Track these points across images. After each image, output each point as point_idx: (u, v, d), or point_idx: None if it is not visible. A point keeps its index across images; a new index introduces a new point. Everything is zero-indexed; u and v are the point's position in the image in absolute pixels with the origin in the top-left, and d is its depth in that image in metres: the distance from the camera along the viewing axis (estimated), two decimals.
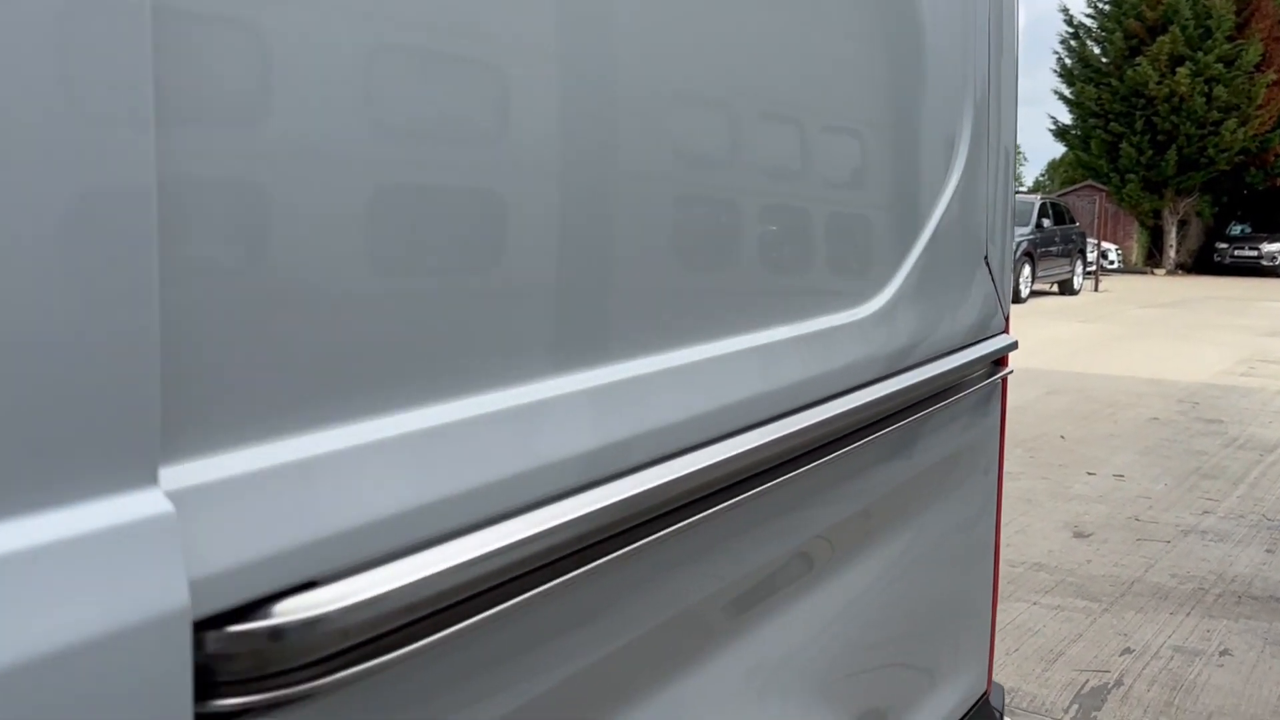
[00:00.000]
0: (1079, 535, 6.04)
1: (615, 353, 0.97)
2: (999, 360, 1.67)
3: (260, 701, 0.67)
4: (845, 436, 1.26)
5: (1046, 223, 22.77)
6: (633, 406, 0.98)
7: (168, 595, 0.61)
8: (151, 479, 0.61)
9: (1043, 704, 3.97)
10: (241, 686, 0.67)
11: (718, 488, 1.07)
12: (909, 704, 1.55)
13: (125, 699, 0.59)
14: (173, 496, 0.62)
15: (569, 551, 0.89)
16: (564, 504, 0.88)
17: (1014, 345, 1.67)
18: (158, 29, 0.60)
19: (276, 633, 0.67)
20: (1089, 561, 5.58)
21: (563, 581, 0.89)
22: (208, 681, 0.65)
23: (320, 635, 0.68)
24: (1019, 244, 21.32)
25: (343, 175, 0.73)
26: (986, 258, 1.60)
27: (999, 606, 4.89)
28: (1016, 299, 21.19)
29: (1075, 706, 3.94)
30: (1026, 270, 21.67)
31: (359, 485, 0.73)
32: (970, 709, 1.72)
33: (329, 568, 0.70)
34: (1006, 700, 3.98)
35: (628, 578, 1.00)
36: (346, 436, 0.73)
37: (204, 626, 0.64)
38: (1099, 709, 3.92)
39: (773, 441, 1.12)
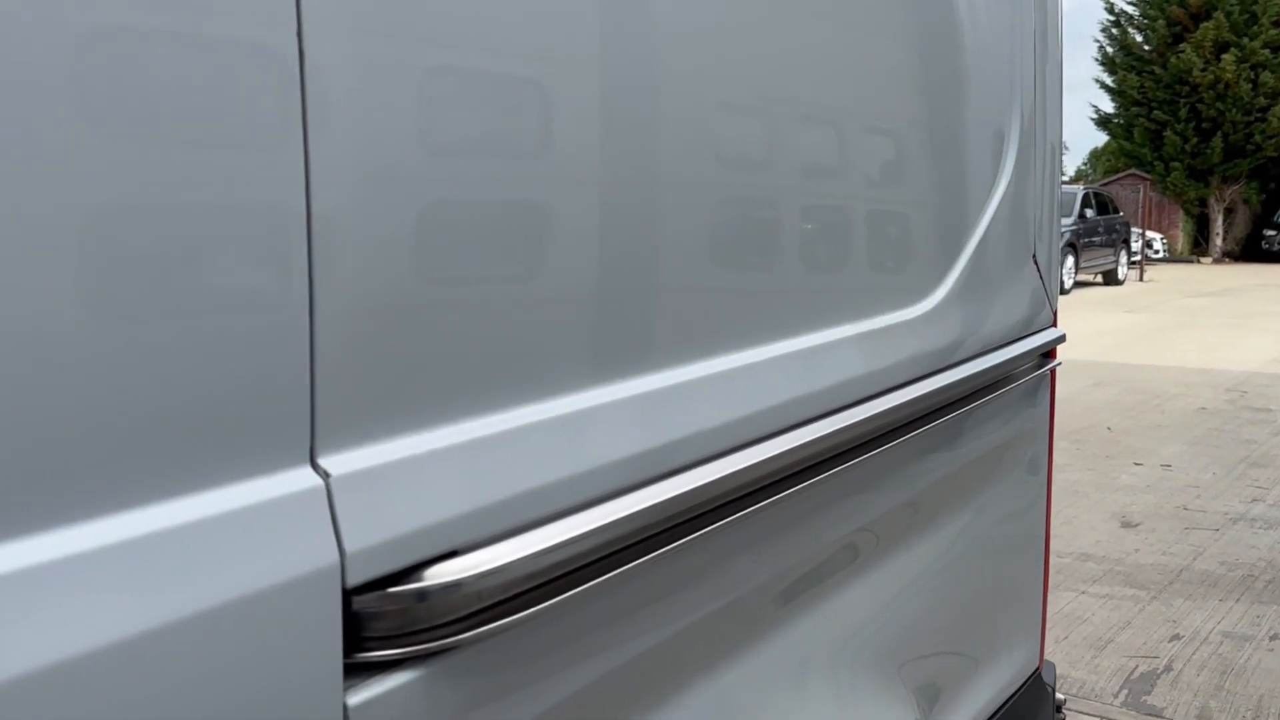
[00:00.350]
0: (1127, 525, 6.06)
1: (705, 351, 1.07)
2: (1047, 353, 1.75)
3: (408, 654, 0.78)
4: (902, 428, 1.35)
5: (1090, 213, 22.59)
6: (706, 401, 1.08)
7: (318, 559, 0.71)
8: (304, 462, 0.72)
9: (1093, 689, 4.03)
10: (390, 641, 0.77)
11: (782, 476, 1.16)
12: (964, 682, 1.64)
13: (282, 648, 0.69)
14: (326, 479, 0.73)
15: (658, 530, 0.99)
16: (658, 487, 0.98)
17: (1061, 338, 1.75)
18: (306, 49, 0.71)
19: (422, 595, 0.77)
20: (1137, 551, 5.61)
21: (649, 560, 0.99)
22: (361, 637, 0.76)
23: (459, 597, 0.79)
24: (1062, 235, 21.15)
25: (491, 187, 0.84)
26: (1035, 255, 1.69)
27: (1047, 596, 4.95)
28: (1060, 290, 21.01)
29: (1125, 691, 4.00)
30: (1070, 261, 21.49)
31: (492, 469, 0.83)
32: (1023, 684, 1.81)
33: (466, 540, 0.80)
34: (1058, 687, 4.04)
35: (701, 558, 1.10)
36: (477, 428, 0.83)
37: (359, 590, 0.75)
38: (1149, 693, 3.97)
39: (834, 433, 1.22)
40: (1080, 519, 6.19)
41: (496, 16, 0.86)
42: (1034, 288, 1.69)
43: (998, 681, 1.71)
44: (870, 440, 1.31)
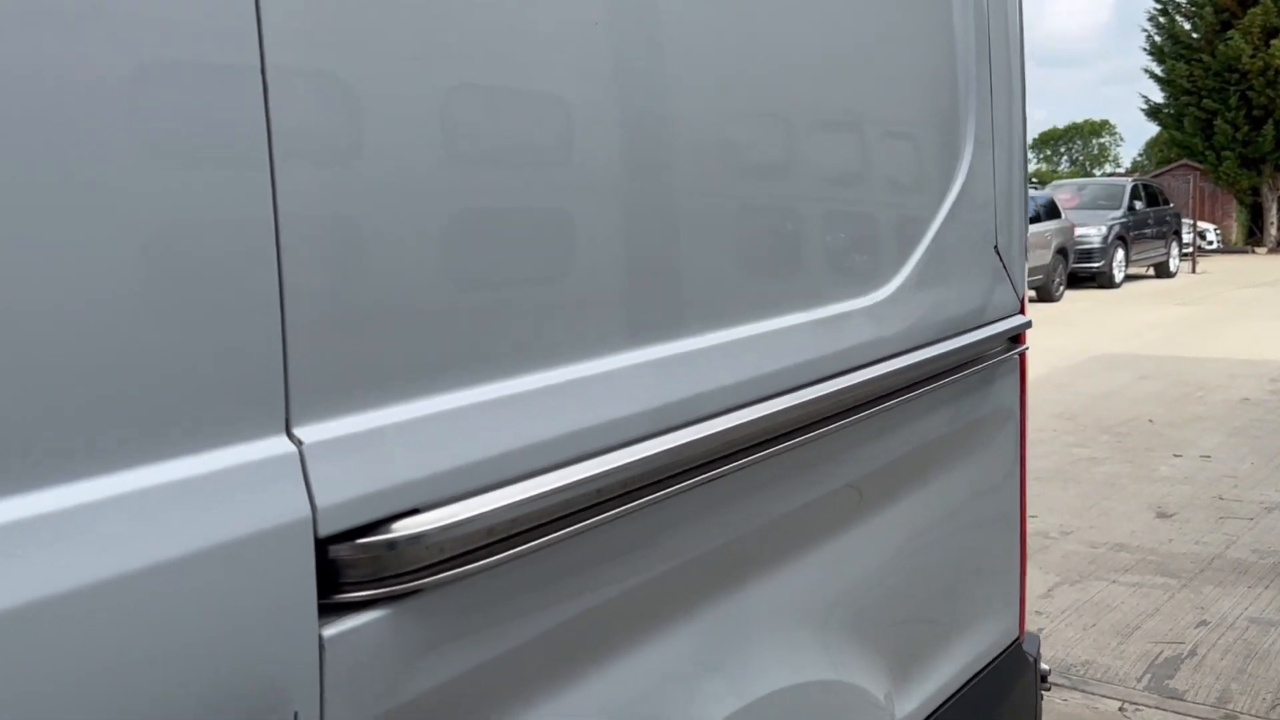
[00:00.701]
0: (1162, 516, 6.09)
1: (677, 331, 1.21)
2: (1016, 337, 1.86)
3: (377, 595, 0.91)
4: (863, 405, 1.47)
5: (1139, 205, 22.38)
6: (655, 382, 1.22)
7: (292, 512, 0.85)
8: (281, 433, 0.86)
9: (1116, 675, 4.09)
10: (360, 585, 0.90)
11: (754, 442, 1.29)
12: (941, 643, 1.74)
13: (264, 586, 0.83)
14: (299, 446, 0.86)
15: (620, 493, 1.12)
16: (614, 455, 1.11)
17: (1027, 324, 1.86)
18: (271, 91, 0.84)
19: (390, 545, 0.91)
20: (1170, 540, 5.64)
21: (606, 519, 1.11)
22: (334, 579, 0.89)
23: (421, 548, 0.92)
24: (1110, 228, 21.00)
25: (439, 187, 0.98)
26: (996, 246, 1.79)
27: (1077, 585, 5.01)
28: (1110, 284, 20.88)
29: (1148, 676, 4.06)
30: (1120, 255, 21.31)
31: (449, 439, 0.97)
32: (1002, 652, 1.91)
33: (427, 499, 0.94)
34: (1081, 673, 4.12)
35: (679, 513, 1.23)
36: (437, 404, 0.97)
37: (330, 540, 0.88)
38: (1171, 677, 4.03)
39: (792, 408, 1.34)
40: (1116, 511, 6.23)
41: (438, 26, 0.99)
42: (997, 276, 1.80)
43: (973, 649, 1.82)
44: (833, 415, 1.43)
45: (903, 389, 1.54)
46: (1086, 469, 7.17)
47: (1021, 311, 1.87)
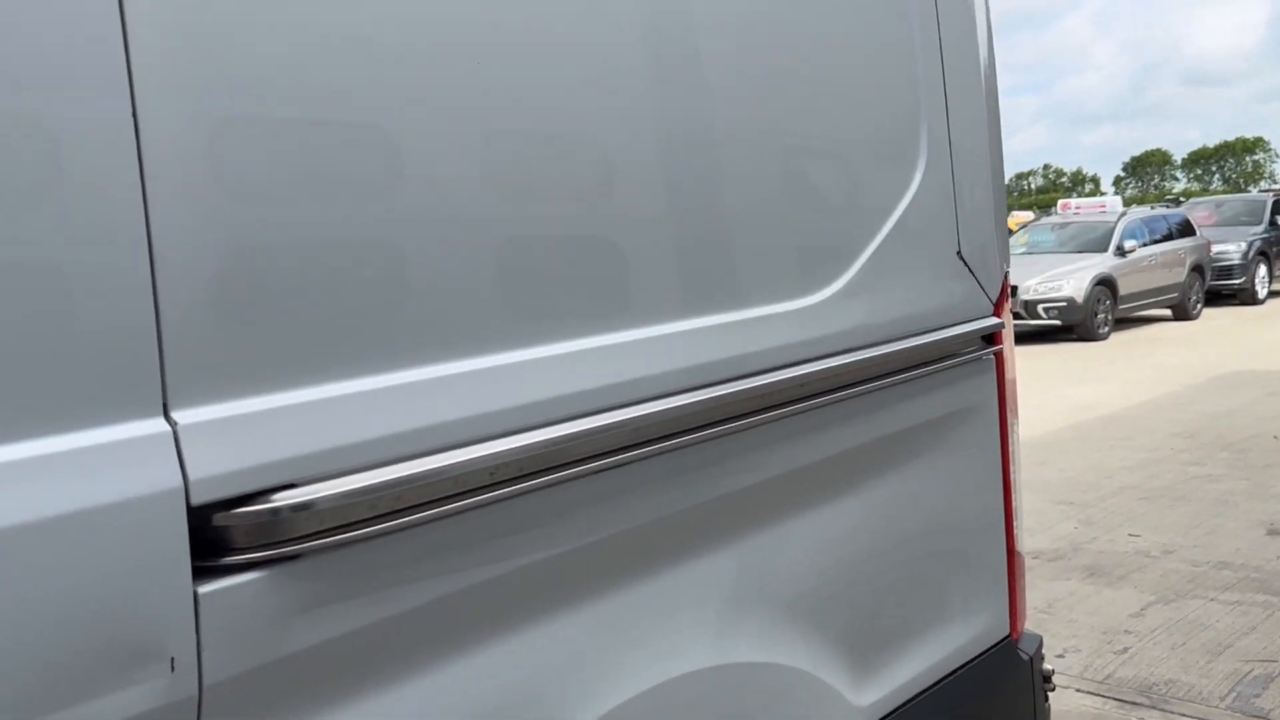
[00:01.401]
0: (1272, 533, 5.87)
1: (594, 325, 1.33)
2: (989, 337, 1.88)
3: (249, 560, 1.02)
4: (799, 399, 1.53)
5: None
6: (602, 366, 1.32)
7: (166, 483, 0.96)
8: (158, 415, 0.98)
9: (1199, 694, 3.98)
10: (234, 550, 1.01)
11: (681, 429, 1.37)
12: (909, 635, 1.76)
13: (140, 545, 0.94)
14: (174, 426, 0.98)
15: (513, 475, 1.21)
16: (511, 439, 1.21)
17: (1000, 326, 1.88)
18: (136, 82, 0.97)
19: (265, 514, 1.03)
20: (1278, 558, 5.43)
21: (503, 496, 1.20)
22: (208, 543, 1.00)
23: (299, 518, 1.03)
24: (1251, 244, 20.23)
25: (301, 177, 1.09)
26: (960, 251, 1.83)
27: (1172, 604, 4.87)
28: (1253, 301, 20.06)
29: (1233, 695, 3.93)
30: (1263, 271, 20.51)
31: (322, 424, 1.08)
32: (988, 650, 1.92)
33: (303, 476, 1.05)
34: (1163, 692, 4.01)
35: (596, 493, 1.32)
36: (310, 392, 1.08)
37: (202, 508, 0.99)
38: (1258, 696, 3.90)
39: (715, 399, 1.42)
40: (1225, 528, 6.02)
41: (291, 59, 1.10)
42: (961, 280, 1.83)
43: (950, 644, 1.83)
44: (768, 407, 1.49)
45: (846, 385, 1.60)
46: (1200, 486, 6.93)
47: (996, 314, 1.90)
